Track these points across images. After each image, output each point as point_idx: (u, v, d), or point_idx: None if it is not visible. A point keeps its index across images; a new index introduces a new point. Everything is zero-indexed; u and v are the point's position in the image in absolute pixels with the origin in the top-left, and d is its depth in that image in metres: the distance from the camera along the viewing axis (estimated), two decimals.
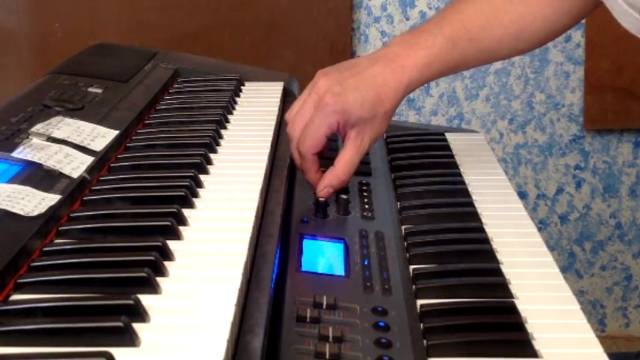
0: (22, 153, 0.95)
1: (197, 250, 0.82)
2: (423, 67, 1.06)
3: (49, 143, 0.99)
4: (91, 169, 0.96)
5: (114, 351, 0.62)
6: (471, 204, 1.09)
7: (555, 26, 1.13)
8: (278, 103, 1.31)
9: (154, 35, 2.18)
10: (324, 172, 1.05)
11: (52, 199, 0.85)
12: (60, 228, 0.84)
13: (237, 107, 1.30)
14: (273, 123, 1.21)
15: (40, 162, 0.93)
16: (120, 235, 0.83)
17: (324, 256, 0.91)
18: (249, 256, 0.82)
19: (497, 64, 2.31)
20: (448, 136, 1.34)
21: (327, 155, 1.07)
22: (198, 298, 0.73)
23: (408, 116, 2.34)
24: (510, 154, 2.37)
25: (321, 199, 1.02)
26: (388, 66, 1.05)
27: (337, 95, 1.02)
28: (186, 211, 0.88)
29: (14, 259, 0.74)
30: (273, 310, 0.79)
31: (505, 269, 0.92)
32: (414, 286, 0.89)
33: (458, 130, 1.68)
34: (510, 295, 0.87)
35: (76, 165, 0.95)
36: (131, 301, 0.68)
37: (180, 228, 0.85)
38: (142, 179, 0.98)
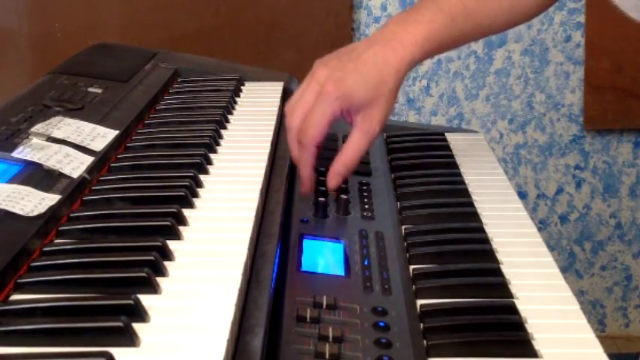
0: (22, 153, 0.95)
1: (197, 250, 0.82)
2: (422, 42, 1.04)
3: (49, 143, 0.99)
4: (91, 169, 0.96)
5: (114, 351, 0.62)
6: (471, 204, 1.09)
7: None
8: (278, 103, 1.31)
9: (154, 35, 2.19)
10: (321, 170, 1.05)
11: (52, 199, 0.85)
12: (60, 228, 0.84)
13: (237, 107, 1.30)
14: (273, 123, 1.21)
15: (40, 162, 0.93)
16: (120, 235, 0.83)
17: (324, 256, 0.91)
18: (249, 256, 0.82)
19: (498, 64, 2.31)
20: (448, 136, 1.34)
21: (325, 155, 1.07)
22: (198, 298, 0.73)
23: (408, 116, 2.34)
24: (510, 154, 2.37)
25: (320, 199, 1.02)
26: (387, 45, 1.03)
27: (338, 81, 1.00)
28: (186, 211, 0.88)
29: (14, 259, 0.74)
30: (273, 310, 0.79)
31: (505, 269, 0.92)
32: (414, 286, 0.89)
33: (458, 130, 1.68)
34: (510, 295, 0.87)
35: (76, 165, 0.95)
36: (131, 301, 0.68)
37: (181, 228, 0.85)
38: (142, 179, 0.98)
